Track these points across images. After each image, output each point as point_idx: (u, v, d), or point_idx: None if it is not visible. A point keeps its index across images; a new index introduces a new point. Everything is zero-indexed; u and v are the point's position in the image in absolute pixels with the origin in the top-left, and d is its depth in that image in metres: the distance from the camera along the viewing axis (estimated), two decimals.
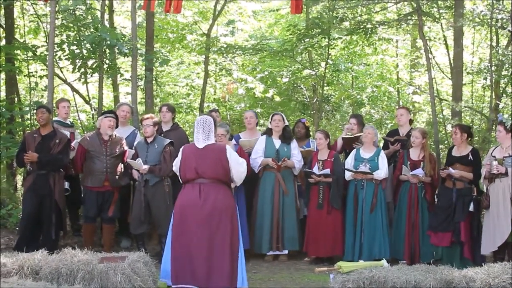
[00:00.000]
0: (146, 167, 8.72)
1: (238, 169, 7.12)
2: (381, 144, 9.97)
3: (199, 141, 7.03)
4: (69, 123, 10.01)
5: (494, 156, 8.49)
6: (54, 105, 10.19)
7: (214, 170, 6.93)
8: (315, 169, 9.18)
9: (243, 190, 9.20)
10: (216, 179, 6.96)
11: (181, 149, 7.18)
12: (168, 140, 9.03)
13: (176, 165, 7.19)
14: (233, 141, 9.69)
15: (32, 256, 6.78)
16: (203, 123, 7.10)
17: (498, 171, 8.34)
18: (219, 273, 6.78)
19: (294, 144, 9.48)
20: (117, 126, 9.23)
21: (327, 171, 9.08)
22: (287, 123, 9.63)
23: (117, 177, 9.00)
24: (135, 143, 9.29)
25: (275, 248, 9.27)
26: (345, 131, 10.10)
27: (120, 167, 9.08)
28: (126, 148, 9.16)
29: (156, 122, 9.06)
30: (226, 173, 7.02)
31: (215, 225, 6.83)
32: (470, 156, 8.78)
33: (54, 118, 9.46)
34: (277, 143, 9.42)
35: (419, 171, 8.94)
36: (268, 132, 9.56)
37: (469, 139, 9.03)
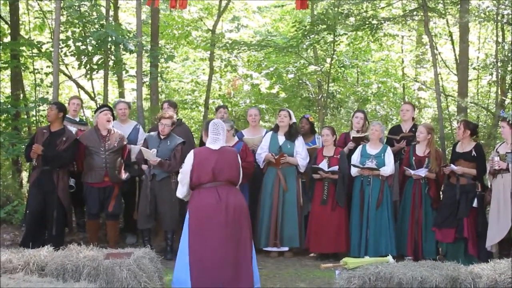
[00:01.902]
0: (157, 159, 8.73)
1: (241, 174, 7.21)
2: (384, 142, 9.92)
3: (218, 141, 6.96)
4: (77, 120, 10.01)
5: (498, 152, 8.49)
6: (63, 101, 10.22)
7: (230, 172, 6.92)
8: (324, 166, 9.17)
9: (248, 189, 9.22)
10: (230, 181, 6.94)
11: (191, 154, 7.00)
12: (182, 140, 9.03)
13: (185, 171, 6.95)
14: (236, 138, 9.70)
15: (38, 252, 6.79)
16: (223, 127, 7.06)
17: (499, 166, 8.33)
18: (245, 274, 6.75)
19: (299, 141, 9.46)
20: (114, 119, 9.28)
21: (336, 168, 9.08)
22: (294, 120, 9.61)
23: (116, 172, 9.01)
24: (146, 136, 9.31)
25: (272, 245, 9.28)
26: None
27: (120, 162, 9.09)
28: (125, 142, 9.18)
29: (174, 122, 9.08)
30: (239, 175, 7.05)
31: (238, 227, 6.79)
32: (474, 152, 8.77)
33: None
34: (281, 139, 9.43)
35: (421, 172, 8.92)
36: (275, 128, 9.57)
37: (474, 136, 8.99)
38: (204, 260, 6.67)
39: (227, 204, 6.76)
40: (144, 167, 8.95)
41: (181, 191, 7.06)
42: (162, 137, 8.99)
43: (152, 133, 9.29)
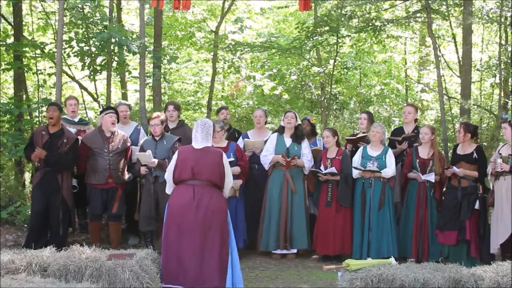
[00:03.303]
0: (155, 160, 8.73)
1: (228, 178, 7.25)
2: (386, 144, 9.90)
3: (197, 141, 7.11)
4: (76, 121, 9.98)
5: (500, 154, 8.46)
6: (63, 102, 10.20)
7: (209, 172, 7.02)
8: (321, 167, 9.17)
9: (243, 189, 9.19)
10: (210, 181, 7.04)
11: (177, 151, 7.24)
12: (177, 137, 9.08)
13: (170, 167, 7.19)
14: (240, 140, 9.70)
15: (40, 253, 6.80)
16: (203, 125, 7.21)
17: (501, 169, 8.32)
18: (209, 274, 6.86)
19: (305, 143, 9.43)
20: (118, 121, 9.27)
21: (333, 169, 9.06)
22: (299, 122, 9.59)
23: (120, 173, 9.02)
24: (142, 141, 9.26)
25: (282, 247, 9.25)
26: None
27: (123, 163, 9.08)
28: (129, 144, 9.18)
29: (163, 120, 9.09)
30: (221, 177, 7.13)
31: (208, 227, 6.93)
32: (475, 154, 8.75)
33: (63, 116, 9.48)
34: (288, 141, 9.40)
35: (431, 177, 8.91)
36: (280, 130, 9.54)
37: (474, 138, 8.97)
38: (173, 255, 6.91)
39: (199, 204, 6.92)
40: (143, 170, 8.92)
41: (169, 190, 7.29)
42: (156, 138, 9.01)
43: (146, 137, 9.30)
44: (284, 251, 9.29)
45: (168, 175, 7.19)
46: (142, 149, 9.01)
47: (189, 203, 6.90)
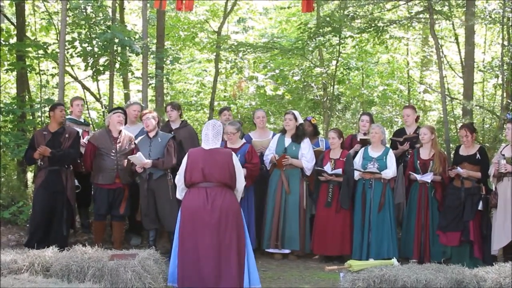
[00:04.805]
0: (149, 161, 8.74)
1: (240, 177, 7.24)
2: (388, 145, 9.89)
3: (208, 142, 7.11)
4: (83, 121, 10.02)
5: (503, 155, 8.46)
6: (69, 102, 10.22)
7: (220, 173, 7.01)
8: (327, 168, 9.17)
9: (253, 190, 9.21)
10: (222, 182, 7.03)
11: (187, 154, 7.22)
12: (172, 135, 9.10)
13: (181, 172, 7.17)
14: (243, 140, 9.70)
15: (43, 253, 6.82)
16: (214, 126, 7.21)
17: (506, 170, 8.32)
18: (227, 276, 6.84)
19: (305, 143, 9.40)
20: (125, 123, 9.26)
21: (339, 170, 9.06)
22: (301, 121, 9.58)
23: (127, 173, 9.01)
24: (136, 141, 9.19)
25: (273, 246, 9.25)
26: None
27: (129, 163, 9.08)
28: (133, 145, 9.17)
29: (155, 116, 9.07)
30: (232, 177, 7.11)
31: (223, 228, 6.90)
32: (478, 155, 8.77)
33: (68, 116, 9.48)
34: (287, 141, 9.40)
35: (427, 177, 8.90)
36: (283, 131, 9.56)
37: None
38: (189, 259, 6.86)
39: (213, 205, 6.90)
40: (138, 168, 8.89)
41: (180, 194, 7.26)
42: (151, 135, 9.01)
43: (140, 137, 9.24)
44: (282, 251, 9.29)
45: (179, 178, 7.17)
46: (137, 149, 9.00)
47: (204, 205, 6.89)
